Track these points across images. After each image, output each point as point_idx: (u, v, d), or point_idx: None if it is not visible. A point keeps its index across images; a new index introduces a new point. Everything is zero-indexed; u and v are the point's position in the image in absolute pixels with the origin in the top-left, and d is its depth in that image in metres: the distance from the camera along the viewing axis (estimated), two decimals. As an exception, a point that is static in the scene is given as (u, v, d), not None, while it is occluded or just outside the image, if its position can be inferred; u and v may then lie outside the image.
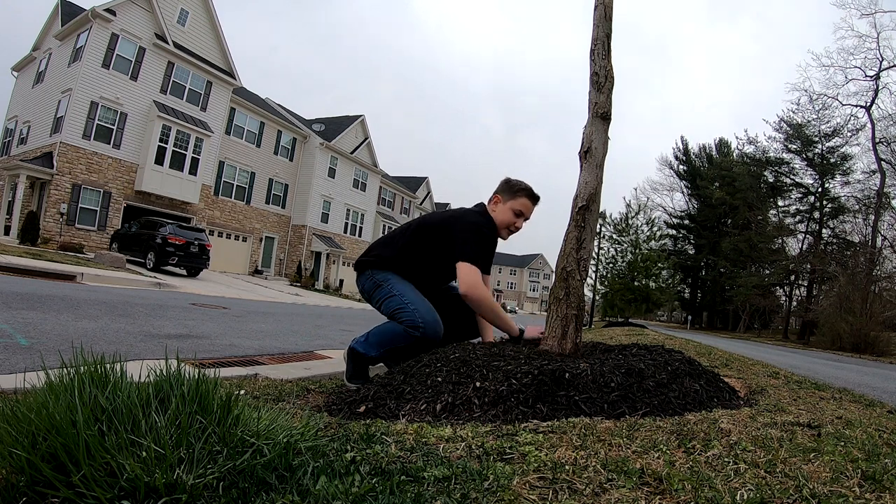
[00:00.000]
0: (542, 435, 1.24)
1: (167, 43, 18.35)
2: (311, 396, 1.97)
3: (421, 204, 40.32)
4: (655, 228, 32.46)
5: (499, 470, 0.99)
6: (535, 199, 2.43)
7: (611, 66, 2.29)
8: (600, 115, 2.22)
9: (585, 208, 2.15)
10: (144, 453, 0.80)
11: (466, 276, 2.11)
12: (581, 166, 2.23)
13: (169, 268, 14.25)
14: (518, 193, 2.36)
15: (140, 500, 0.75)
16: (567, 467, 1.01)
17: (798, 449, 1.20)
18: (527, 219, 2.43)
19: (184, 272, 14.78)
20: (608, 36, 2.31)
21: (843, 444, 1.28)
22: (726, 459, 1.10)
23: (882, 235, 29.86)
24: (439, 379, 1.66)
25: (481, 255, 2.18)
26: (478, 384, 1.58)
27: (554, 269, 2.28)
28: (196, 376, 1.06)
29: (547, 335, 2.11)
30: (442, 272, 2.36)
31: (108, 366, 1.03)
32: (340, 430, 1.25)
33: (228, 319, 5.65)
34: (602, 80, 2.26)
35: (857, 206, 33.59)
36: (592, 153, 2.20)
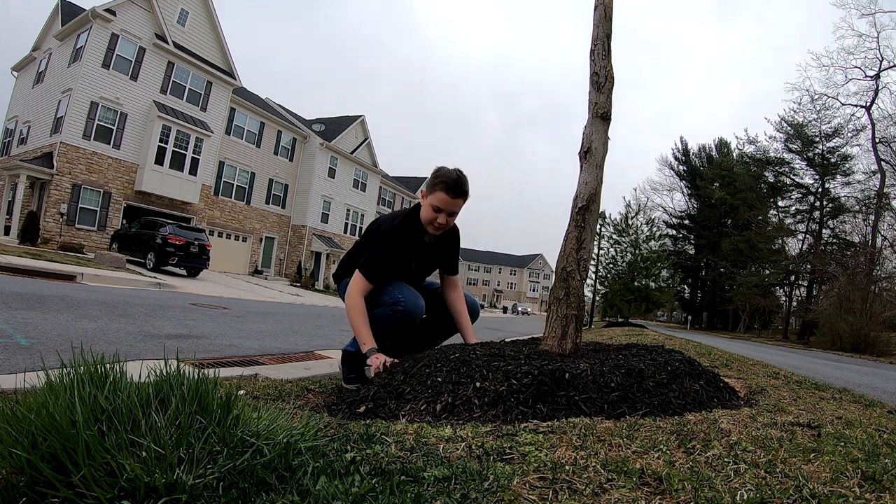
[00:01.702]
0: (542, 435, 1.24)
1: (167, 43, 18.35)
2: (311, 396, 1.97)
3: (421, 204, 40.27)
4: (655, 228, 32.49)
5: (499, 470, 0.99)
6: (453, 192, 2.12)
7: (611, 66, 2.29)
8: (600, 115, 2.23)
9: (585, 208, 2.15)
10: (144, 453, 0.80)
11: (350, 282, 2.21)
12: (581, 166, 2.23)
13: (169, 268, 14.24)
14: (435, 187, 2.14)
15: (140, 500, 0.75)
16: (567, 467, 1.01)
17: (798, 449, 1.20)
18: (450, 214, 2.18)
19: (184, 272, 14.77)
20: (608, 36, 2.31)
21: (843, 444, 1.28)
22: (726, 459, 1.10)
23: (882, 235, 29.89)
24: (439, 379, 1.66)
25: (378, 263, 2.19)
26: (478, 384, 1.58)
27: (554, 269, 2.27)
28: (196, 376, 1.06)
29: (547, 335, 2.11)
30: (408, 273, 2.38)
31: (107, 366, 1.03)
32: (340, 430, 1.25)
33: (228, 319, 5.65)
34: (602, 81, 2.26)
35: (857, 207, 33.61)
36: (592, 153, 2.20)
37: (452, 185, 2.12)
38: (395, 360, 2.00)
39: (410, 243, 2.26)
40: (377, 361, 2.00)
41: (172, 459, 0.81)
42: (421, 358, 1.90)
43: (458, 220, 2.48)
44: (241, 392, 1.72)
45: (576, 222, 2.15)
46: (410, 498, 0.84)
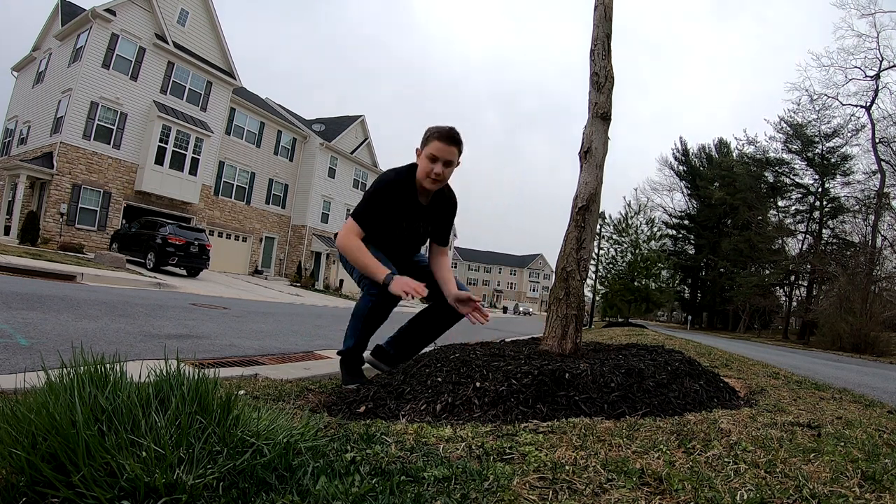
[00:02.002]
0: (542, 435, 1.24)
1: (167, 43, 18.35)
2: (310, 396, 1.97)
3: (421, 204, 40.25)
4: (655, 229, 32.50)
5: (499, 470, 0.99)
6: (447, 139, 2.18)
7: (611, 66, 2.29)
8: (600, 115, 2.23)
9: (585, 208, 2.15)
10: (144, 453, 0.80)
11: (342, 228, 2.30)
12: (581, 166, 2.23)
13: (169, 268, 14.24)
14: (429, 139, 2.21)
15: (140, 500, 0.75)
16: (567, 467, 1.01)
17: (798, 449, 1.20)
18: (447, 163, 2.20)
19: (184, 272, 14.76)
20: (608, 36, 2.31)
21: (843, 444, 1.28)
22: (726, 459, 1.10)
23: (882, 235, 29.89)
24: (439, 379, 1.66)
25: (369, 210, 2.25)
26: (478, 384, 1.58)
27: (554, 269, 2.28)
28: (196, 376, 1.06)
29: (547, 335, 2.11)
30: (398, 231, 2.38)
31: (107, 366, 1.03)
32: (340, 430, 1.25)
33: (228, 319, 5.65)
34: (602, 81, 2.26)
35: (857, 207, 33.61)
36: (592, 153, 2.20)
37: (446, 133, 2.19)
38: (421, 284, 1.95)
39: (404, 199, 2.29)
40: (403, 284, 1.93)
41: (172, 459, 0.81)
42: (421, 358, 1.90)
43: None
44: (241, 392, 1.72)
45: (576, 222, 2.15)
46: (410, 498, 0.84)
